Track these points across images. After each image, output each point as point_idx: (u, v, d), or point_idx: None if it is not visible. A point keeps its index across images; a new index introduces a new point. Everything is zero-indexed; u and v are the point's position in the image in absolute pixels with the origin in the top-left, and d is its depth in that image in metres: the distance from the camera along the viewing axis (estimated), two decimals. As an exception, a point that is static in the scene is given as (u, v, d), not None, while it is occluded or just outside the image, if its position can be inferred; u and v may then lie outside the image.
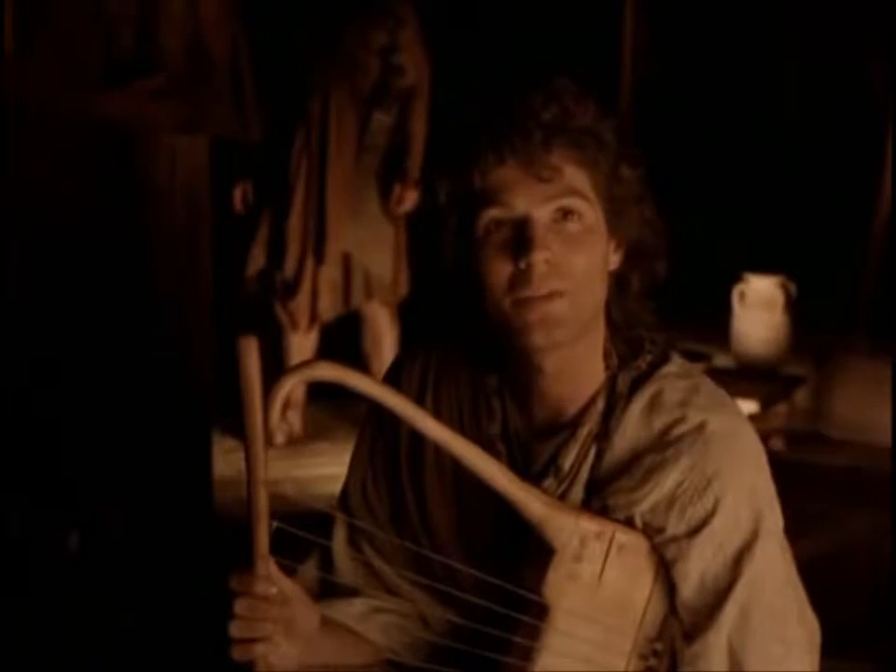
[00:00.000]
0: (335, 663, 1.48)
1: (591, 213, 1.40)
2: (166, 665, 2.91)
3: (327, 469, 4.23)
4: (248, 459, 1.28)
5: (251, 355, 1.25)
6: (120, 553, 3.21)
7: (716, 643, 1.38)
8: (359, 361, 4.51)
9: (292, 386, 1.29)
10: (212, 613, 1.38)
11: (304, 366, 1.31)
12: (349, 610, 1.54)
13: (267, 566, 1.30)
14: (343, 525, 1.57)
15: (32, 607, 3.05)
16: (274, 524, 1.29)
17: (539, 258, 1.36)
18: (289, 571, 1.39)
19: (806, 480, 4.24)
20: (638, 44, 5.71)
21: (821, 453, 4.74)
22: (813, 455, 4.69)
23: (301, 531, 1.36)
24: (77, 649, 2.96)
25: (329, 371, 1.30)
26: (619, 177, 1.42)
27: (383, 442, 1.56)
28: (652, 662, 1.41)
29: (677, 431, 1.40)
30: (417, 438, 1.51)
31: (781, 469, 1.46)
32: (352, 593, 1.55)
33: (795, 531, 1.45)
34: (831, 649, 1.47)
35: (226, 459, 4.07)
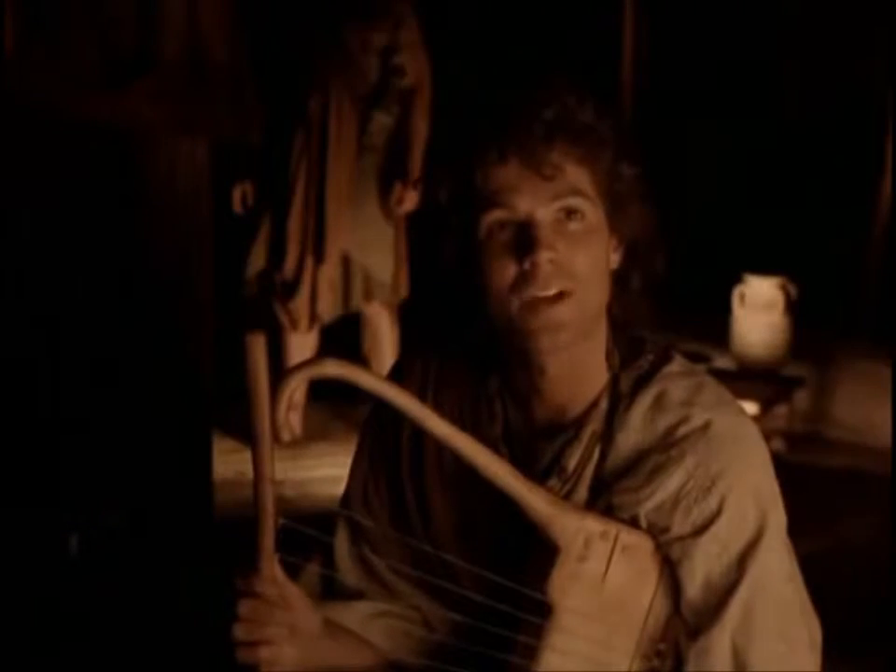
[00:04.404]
0: (337, 665, 1.48)
1: (593, 212, 1.40)
2: (166, 666, 2.91)
3: (326, 470, 4.23)
4: (255, 456, 1.28)
5: (259, 352, 1.26)
6: (120, 554, 3.21)
7: (720, 642, 1.38)
8: (359, 362, 4.50)
9: (299, 384, 1.29)
10: (212, 614, 1.38)
11: (311, 363, 1.31)
12: (352, 614, 1.54)
13: (272, 564, 1.31)
14: (345, 529, 1.57)
15: (32, 607, 3.05)
16: (280, 521, 1.29)
17: (544, 257, 1.36)
18: (294, 569, 1.39)
19: (806, 481, 4.24)
20: (638, 44, 5.72)
21: (821, 454, 4.74)
22: (813, 457, 4.69)
23: (305, 530, 1.36)
24: (77, 649, 2.96)
25: (336, 369, 1.30)
26: (619, 175, 1.43)
27: (384, 445, 1.56)
28: (656, 662, 1.41)
29: (681, 431, 1.41)
30: (418, 440, 1.51)
31: (781, 470, 1.46)
32: (355, 596, 1.55)
33: (795, 531, 1.45)
34: (831, 649, 1.47)
35: (226, 460, 4.07)
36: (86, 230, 3.15)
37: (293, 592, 1.36)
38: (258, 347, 1.26)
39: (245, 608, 1.31)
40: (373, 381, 1.32)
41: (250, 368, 1.26)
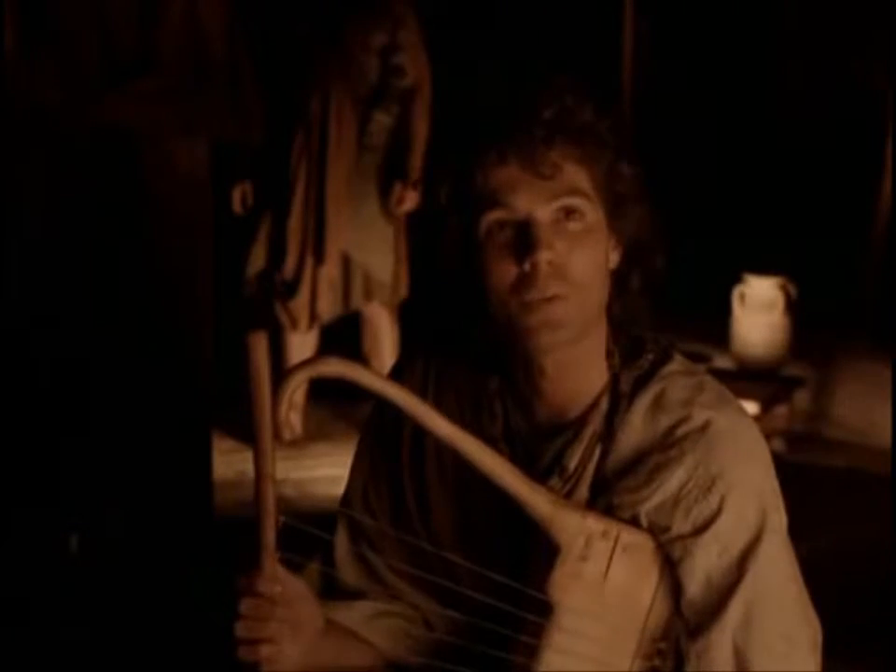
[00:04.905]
0: (337, 665, 1.48)
1: (592, 212, 1.40)
2: (167, 666, 2.91)
3: (327, 470, 4.23)
4: (257, 454, 1.28)
5: (260, 350, 1.26)
6: (120, 554, 3.21)
7: (721, 641, 1.38)
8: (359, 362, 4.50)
9: (300, 382, 1.29)
10: (212, 614, 1.38)
11: (313, 361, 1.32)
12: (353, 614, 1.53)
13: (273, 562, 1.31)
14: (345, 528, 1.57)
15: (32, 607, 3.05)
16: (282, 519, 1.29)
17: (543, 257, 1.36)
18: (295, 567, 1.39)
19: (806, 481, 4.24)
20: (639, 44, 5.72)
21: (821, 454, 4.74)
22: (813, 457, 4.69)
23: (306, 529, 1.36)
24: (77, 649, 2.96)
25: (338, 367, 1.30)
26: (618, 175, 1.43)
27: (384, 445, 1.56)
28: (657, 661, 1.41)
29: (681, 430, 1.40)
30: (419, 440, 1.51)
31: (781, 471, 1.46)
32: (355, 596, 1.55)
33: (795, 532, 1.45)
34: (831, 649, 1.47)
35: (226, 460, 4.07)
36: (86, 230, 3.15)
37: (296, 587, 1.36)
38: (259, 346, 1.26)
39: (246, 606, 1.31)
40: (375, 380, 1.32)
41: (252, 366, 1.26)
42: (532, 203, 1.38)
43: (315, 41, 4.33)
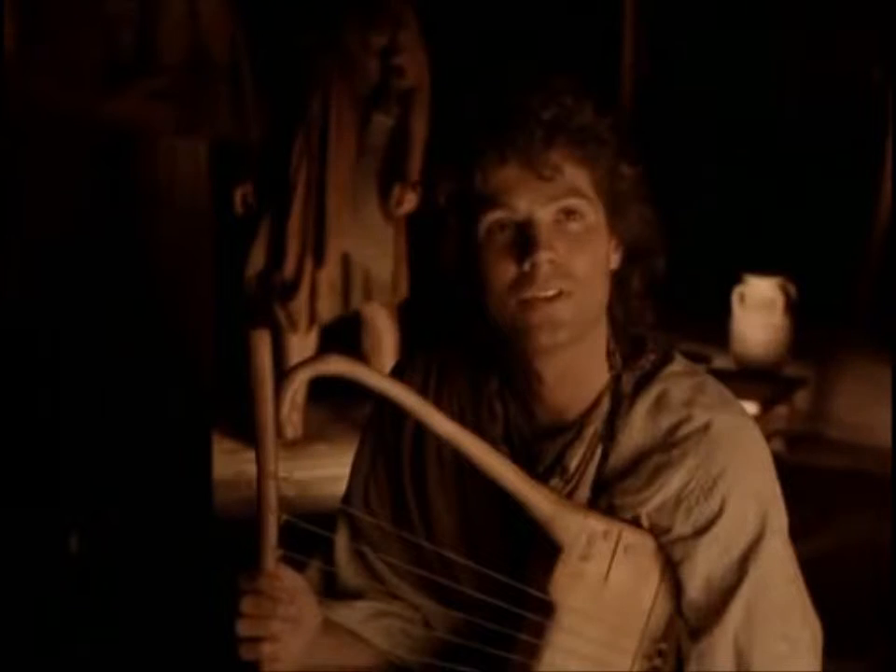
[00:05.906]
0: (337, 665, 1.48)
1: (592, 212, 1.40)
2: (167, 666, 2.91)
3: (326, 470, 4.23)
4: (259, 452, 1.28)
5: (263, 347, 1.25)
6: (120, 554, 3.21)
7: (722, 642, 1.38)
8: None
9: (303, 380, 1.29)
10: (212, 614, 1.38)
11: (316, 359, 1.31)
12: (352, 614, 1.54)
13: (274, 560, 1.30)
14: (345, 527, 1.57)
15: (32, 607, 3.05)
16: (283, 517, 1.29)
17: (544, 258, 1.36)
18: (296, 565, 1.39)
19: (806, 481, 4.24)
20: (638, 44, 5.73)
21: (821, 454, 4.74)
22: (813, 457, 4.69)
23: (308, 528, 1.36)
24: (77, 649, 2.96)
25: (341, 366, 1.30)
26: (619, 175, 1.43)
27: (385, 446, 1.56)
28: (657, 662, 1.41)
29: (683, 431, 1.40)
30: (420, 441, 1.51)
31: (781, 471, 1.46)
32: (355, 596, 1.55)
33: (795, 532, 1.45)
34: (831, 649, 1.47)
35: (226, 460, 4.07)
36: (86, 230, 3.15)
37: (297, 583, 1.36)
38: (262, 343, 1.25)
39: (247, 604, 1.31)
40: (377, 378, 1.32)
41: (254, 363, 1.26)
42: (532, 203, 1.38)
43: (315, 42, 4.33)
